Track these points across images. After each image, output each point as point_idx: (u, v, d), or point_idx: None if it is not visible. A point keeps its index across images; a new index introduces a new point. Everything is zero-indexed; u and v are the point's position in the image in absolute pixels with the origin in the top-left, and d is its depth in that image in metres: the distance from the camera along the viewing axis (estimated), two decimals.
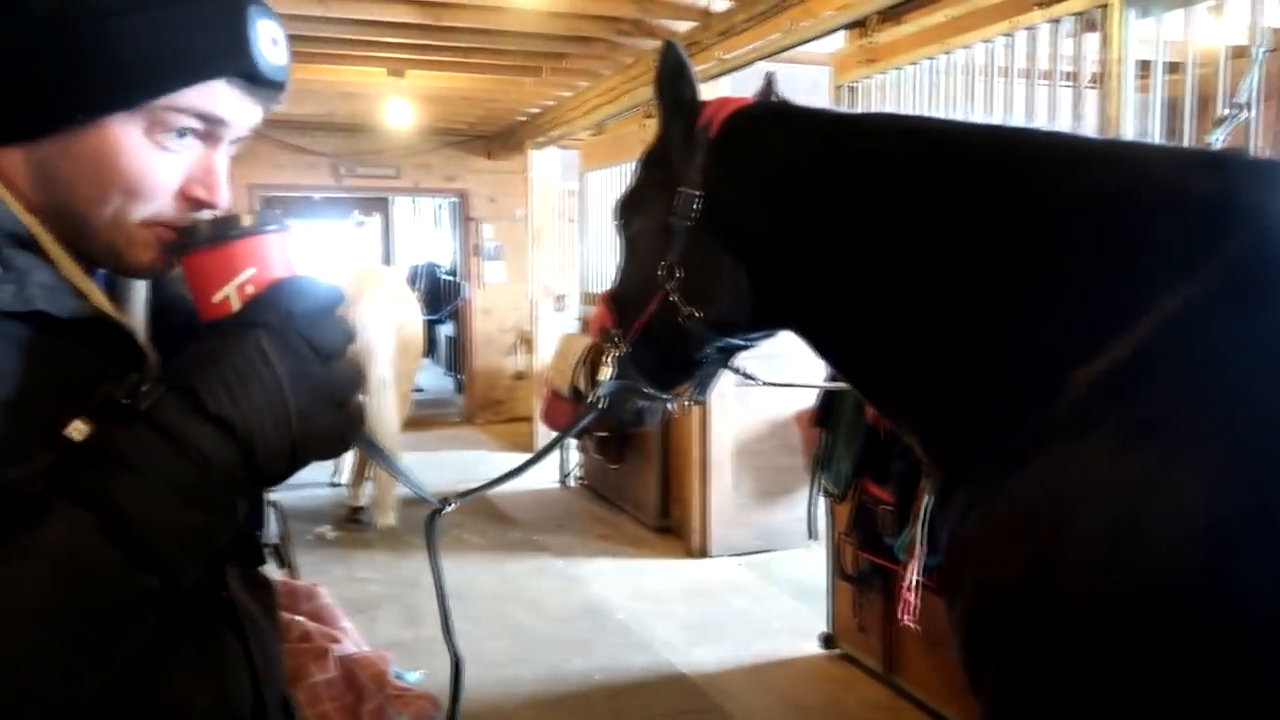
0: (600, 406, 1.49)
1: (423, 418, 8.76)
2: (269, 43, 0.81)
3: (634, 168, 1.61)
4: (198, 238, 0.75)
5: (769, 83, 1.58)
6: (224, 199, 0.81)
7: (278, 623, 0.93)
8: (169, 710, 0.77)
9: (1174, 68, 2.75)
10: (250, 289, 0.74)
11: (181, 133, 0.78)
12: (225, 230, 0.75)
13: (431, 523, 1.13)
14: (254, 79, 0.80)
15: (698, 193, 1.39)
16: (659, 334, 1.48)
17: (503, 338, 9.31)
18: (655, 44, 5.34)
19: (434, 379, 11.39)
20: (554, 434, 5.89)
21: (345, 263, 6.12)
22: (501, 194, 9.21)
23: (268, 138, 8.50)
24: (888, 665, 3.51)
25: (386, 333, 5.32)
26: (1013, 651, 1.03)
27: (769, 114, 1.43)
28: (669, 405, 1.55)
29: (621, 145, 6.06)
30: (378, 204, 12.48)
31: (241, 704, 0.84)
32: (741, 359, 1.61)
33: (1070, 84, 2.83)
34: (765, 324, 1.46)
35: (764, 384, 1.73)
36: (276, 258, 0.76)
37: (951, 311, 1.17)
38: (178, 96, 0.76)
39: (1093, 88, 2.75)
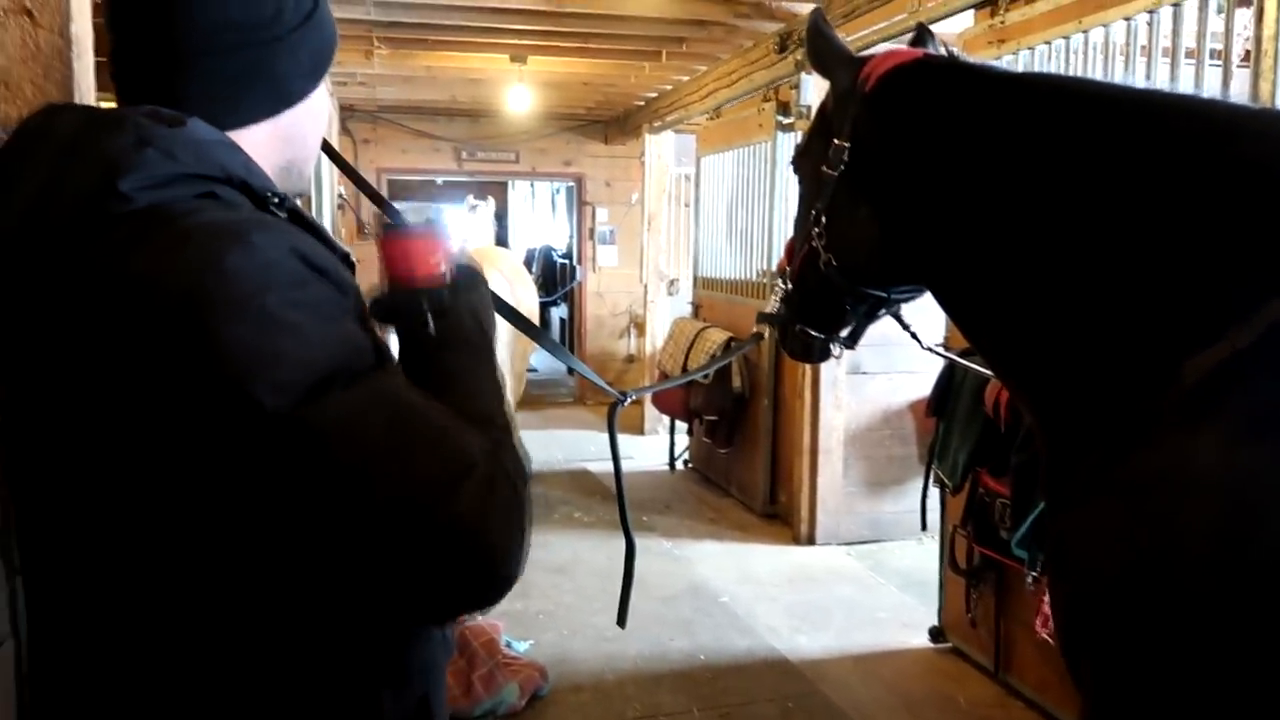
0: (762, 336, 1.77)
1: (536, 397, 8.96)
2: None
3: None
4: (435, 229, 1.07)
5: (921, 33, 1.57)
6: None
7: None
8: None
9: None
10: (449, 264, 1.08)
11: None
12: (444, 227, 1.09)
13: (613, 414, 1.45)
14: None
15: (846, 144, 1.43)
16: (807, 278, 1.58)
17: (615, 321, 9.42)
18: (776, 26, 5.29)
19: (547, 360, 11.60)
20: (666, 416, 5.94)
21: (464, 244, 6.28)
22: (617, 178, 9.29)
23: (394, 124, 8.82)
24: (999, 662, 3.42)
25: None
26: (1115, 641, 1.01)
27: (921, 69, 1.42)
28: (831, 346, 1.66)
29: (738, 129, 6.03)
30: (496, 188, 12.77)
31: None
32: (907, 316, 1.67)
33: (1219, 63, 2.67)
34: (895, 278, 1.49)
35: (925, 347, 1.78)
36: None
37: (1077, 283, 1.14)
38: None
39: (1244, 67, 2.59)
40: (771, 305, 1.69)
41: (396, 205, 1.32)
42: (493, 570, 0.80)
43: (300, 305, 0.77)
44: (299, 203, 0.98)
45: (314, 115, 1.04)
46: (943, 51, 1.51)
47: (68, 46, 1.51)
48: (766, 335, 1.78)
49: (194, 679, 0.82)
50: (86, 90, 1.57)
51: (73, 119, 0.84)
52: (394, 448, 0.77)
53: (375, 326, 0.93)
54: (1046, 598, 2.79)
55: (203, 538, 0.79)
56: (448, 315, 1.01)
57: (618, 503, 1.42)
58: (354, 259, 1.01)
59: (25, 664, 1.28)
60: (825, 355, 1.68)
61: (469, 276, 1.08)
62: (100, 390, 0.76)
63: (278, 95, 0.97)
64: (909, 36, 1.62)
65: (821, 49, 1.53)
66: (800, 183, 1.63)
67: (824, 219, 1.48)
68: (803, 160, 1.60)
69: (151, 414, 0.75)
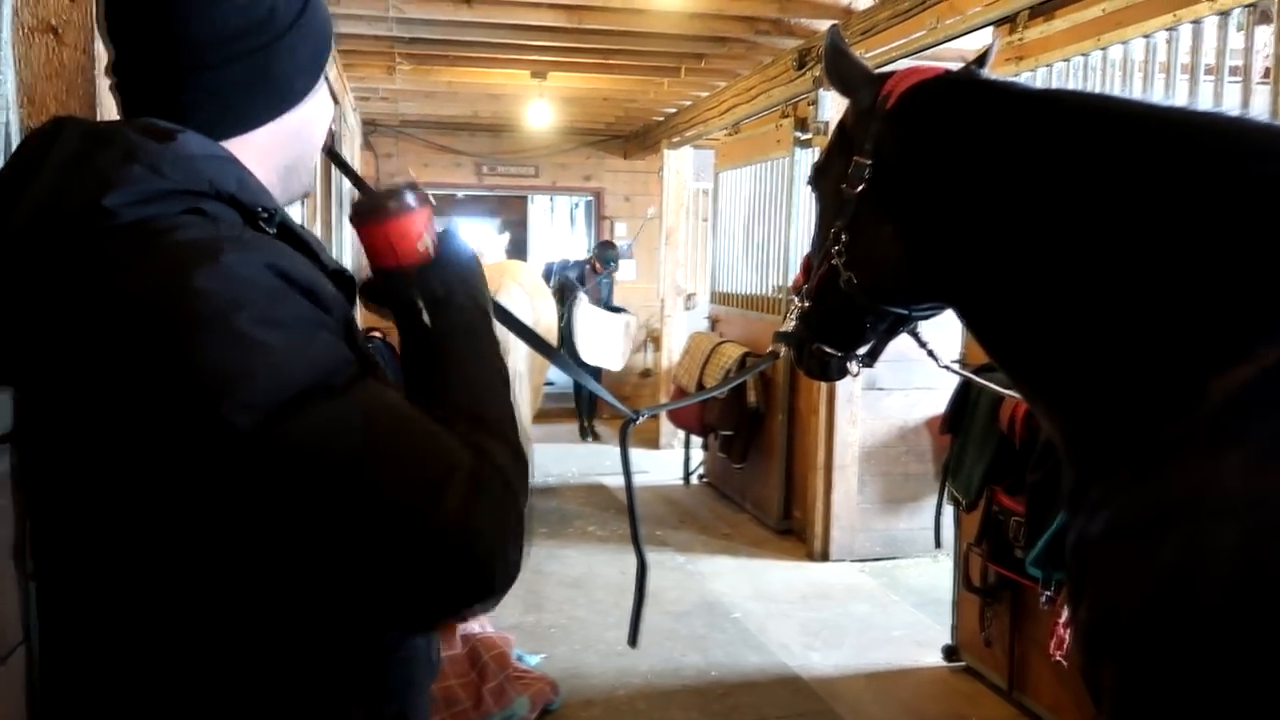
0: (778, 355, 1.73)
1: (552, 410, 8.96)
2: None
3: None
4: (415, 203, 1.01)
5: (989, 50, 1.55)
6: None
7: None
8: None
9: None
10: (433, 239, 1.02)
11: None
12: (426, 197, 1.02)
13: (625, 432, 1.44)
14: None
15: (868, 162, 1.42)
16: (826, 296, 1.55)
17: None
18: (795, 43, 5.31)
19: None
20: (681, 431, 5.93)
21: (484, 259, 6.32)
22: (636, 193, 9.33)
23: (416, 139, 8.90)
24: (1013, 682, 3.39)
25: None
26: (1136, 664, 1.00)
27: (945, 86, 1.40)
28: (848, 364, 1.63)
29: (757, 145, 6.05)
30: (516, 202, 12.82)
31: None
32: (925, 335, 1.65)
33: (1238, 80, 2.66)
34: (919, 296, 1.47)
35: (942, 365, 1.75)
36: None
37: (1103, 299, 1.13)
38: None
39: (1264, 83, 2.58)
40: (788, 324, 1.67)
41: None
42: (485, 571, 0.80)
43: (273, 323, 0.77)
44: (292, 214, 0.97)
45: (318, 108, 1.02)
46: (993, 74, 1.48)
47: (91, 64, 1.53)
48: (782, 354, 1.77)
49: (176, 690, 0.83)
50: (110, 107, 1.60)
51: (75, 132, 0.84)
52: (371, 461, 0.76)
53: (360, 339, 0.92)
54: (1061, 619, 2.77)
55: (185, 551, 0.80)
56: (442, 302, 0.99)
57: (630, 522, 1.41)
58: (350, 274, 1.00)
59: (36, 669, 1.30)
60: (842, 373, 1.65)
61: (453, 249, 1.04)
62: (88, 405, 0.78)
63: (281, 95, 0.96)
64: (927, 54, 1.61)
65: (841, 66, 1.52)
66: (818, 200, 1.61)
67: (845, 236, 1.46)
68: (822, 177, 1.59)
69: (132, 430, 0.76)
